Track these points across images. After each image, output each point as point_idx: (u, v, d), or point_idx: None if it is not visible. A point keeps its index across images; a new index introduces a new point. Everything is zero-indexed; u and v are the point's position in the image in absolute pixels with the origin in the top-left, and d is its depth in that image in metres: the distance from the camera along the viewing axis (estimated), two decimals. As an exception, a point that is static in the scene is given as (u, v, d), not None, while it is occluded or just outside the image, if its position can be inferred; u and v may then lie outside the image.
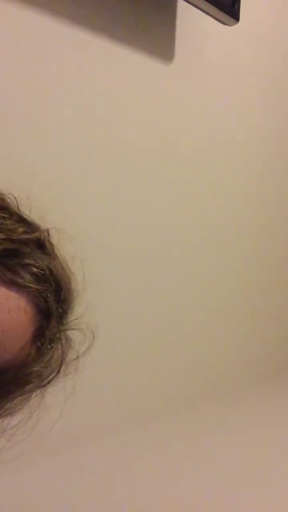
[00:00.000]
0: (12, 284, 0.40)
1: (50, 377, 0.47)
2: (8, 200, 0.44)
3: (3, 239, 0.40)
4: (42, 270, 0.43)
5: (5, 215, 0.42)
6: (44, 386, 0.47)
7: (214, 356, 1.43)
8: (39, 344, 0.44)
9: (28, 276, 0.41)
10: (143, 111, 1.19)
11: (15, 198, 0.45)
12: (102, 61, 1.08)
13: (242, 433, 1.24)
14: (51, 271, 0.43)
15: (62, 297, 0.44)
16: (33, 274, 0.42)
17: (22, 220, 0.44)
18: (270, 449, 1.16)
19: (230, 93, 1.45)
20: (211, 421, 1.30)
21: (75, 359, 0.48)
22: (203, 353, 1.40)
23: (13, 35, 0.92)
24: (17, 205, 0.45)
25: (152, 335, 1.24)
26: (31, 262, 0.42)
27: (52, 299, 0.43)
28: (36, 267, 0.42)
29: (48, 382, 0.47)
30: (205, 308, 1.40)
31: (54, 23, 0.98)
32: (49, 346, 0.45)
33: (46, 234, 0.45)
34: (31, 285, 0.41)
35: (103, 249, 1.10)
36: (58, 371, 0.47)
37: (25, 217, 0.44)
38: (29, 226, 0.44)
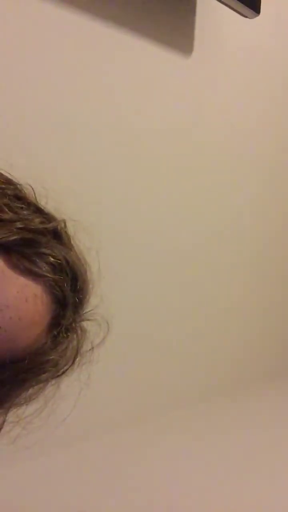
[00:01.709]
0: (29, 273, 0.41)
1: (66, 367, 0.47)
2: (26, 191, 0.45)
3: (20, 228, 0.41)
4: (58, 259, 0.43)
5: (23, 205, 0.43)
6: (59, 376, 0.48)
7: (217, 353, 1.43)
8: (55, 333, 0.44)
9: (44, 265, 0.42)
10: (161, 104, 1.19)
11: (32, 188, 0.45)
12: (119, 54, 1.08)
13: (244, 431, 1.24)
14: (67, 261, 0.44)
15: (78, 287, 0.45)
16: (49, 264, 0.42)
17: (39, 210, 0.44)
18: (270, 449, 1.16)
19: (249, 88, 1.44)
20: (215, 420, 1.30)
21: (90, 350, 0.49)
22: (206, 351, 1.40)
23: (30, 23, 0.93)
24: (34, 195, 0.45)
25: (155, 332, 1.24)
26: (48, 251, 0.43)
27: (68, 289, 0.44)
28: (52, 256, 0.43)
29: (63, 372, 0.48)
30: (212, 303, 1.40)
31: (70, 15, 0.98)
32: (65, 335, 0.45)
33: (62, 224, 0.45)
34: (48, 274, 0.42)
35: (118, 241, 1.10)
36: (73, 362, 0.48)
37: (42, 207, 0.45)
38: (46, 216, 0.44)
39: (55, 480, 0.91)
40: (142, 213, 1.18)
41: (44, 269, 0.42)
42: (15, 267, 0.40)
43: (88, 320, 0.48)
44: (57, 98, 0.97)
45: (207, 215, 1.36)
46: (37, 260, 0.42)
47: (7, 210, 0.41)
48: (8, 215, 0.41)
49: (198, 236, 1.34)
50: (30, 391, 0.46)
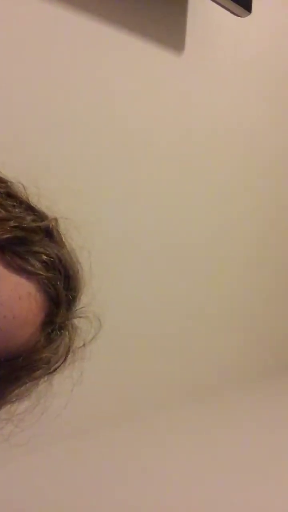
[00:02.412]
0: (22, 271, 0.41)
1: (57, 364, 0.48)
2: (17, 189, 0.45)
3: (13, 226, 0.41)
4: (51, 257, 0.43)
5: (15, 203, 0.43)
6: (51, 373, 0.48)
7: (215, 352, 1.44)
8: (49, 331, 0.45)
9: (37, 263, 0.42)
10: (153, 102, 1.19)
11: (23, 187, 0.45)
12: (111, 51, 1.08)
13: (242, 429, 1.24)
14: (60, 259, 0.44)
15: (70, 285, 0.45)
16: (42, 262, 0.43)
17: (31, 208, 0.44)
18: (269, 446, 1.16)
19: (241, 85, 1.44)
20: (213, 416, 1.30)
21: (81, 347, 0.49)
22: (204, 346, 1.41)
23: (28, 22, 0.93)
24: (26, 193, 0.45)
25: (154, 329, 1.25)
26: (41, 250, 0.43)
27: (61, 287, 0.44)
28: (45, 254, 0.43)
29: (55, 369, 0.48)
30: (206, 303, 1.41)
31: (64, 13, 0.98)
32: (58, 333, 0.46)
33: (54, 222, 0.45)
34: (41, 272, 0.42)
35: (110, 238, 1.11)
36: (65, 359, 0.48)
37: (34, 205, 0.45)
38: (38, 214, 0.44)
39: (50, 477, 0.91)
40: (136, 212, 1.18)
41: (37, 267, 0.42)
42: (8, 265, 0.40)
43: (80, 317, 0.48)
44: (50, 96, 0.97)
45: (202, 211, 1.36)
46: (30, 258, 0.42)
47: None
48: (0, 214, 0.41)
49: (194, 233, 1.34)
50: (23, 388, 0.46)
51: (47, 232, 0.44)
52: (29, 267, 0.41)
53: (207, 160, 1.36)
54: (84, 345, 0.49)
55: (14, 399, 0.47)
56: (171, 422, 1.21)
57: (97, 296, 0.49)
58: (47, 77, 0.96)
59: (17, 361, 0.43)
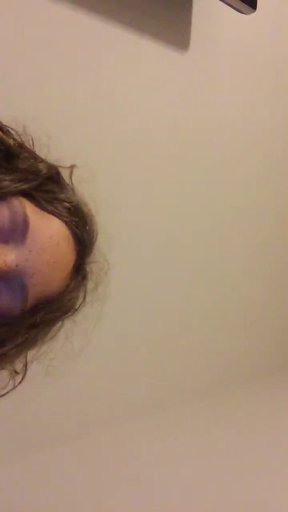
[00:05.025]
0: (57, 217, 0.45)
1: (80, 304, 0.51)
2: (28, 141, 0.48)
3: (35, 175, 0.45)
4: (73, 204, 0.47)
5: (27, 155, 0.47)
6: (75, 312, 0.51)
7: (215, 352, 1.41)
8: (77, 273, 0.48)
9: (64, 210, 0.46)
10: (157, 99, 1.18)
11: (32, 138, 0.49)
12: (116, 49, 1.07)
13: (243, 427, 1.23)
14: (79, 205, 0.48)
15: (89, 228, 0.49)
16: (67, 208, 0.46)
17: (41, 158, 0.48)
18: (270, 446, 1.14)
19: (245, 83, 1.42)
20: (214, 415, 1.28)
21: (95, 288, 0.52)
22: (205, 345, 1.39)
23: (32, 20, 0.94)
24: (33, 144, 0.49)
25: (156, 328, 1.23)
26: (63, 196, 0.47)
27: (85, 230, 0.48)
28: (68, 201, 0.47)
29: (77, 309, 0.51)
30: (207, 302, 1.38)
31: (70, 11, 0.98)
32: (83, 275, 0.49)
33: (70, 171, 0.50)
34: (71, 217, 0.46)
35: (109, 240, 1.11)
36: (84, 299, 0.52)
37: (41, 156, 0.49)
38: (49, 163, 0.48)
39: (50, 477, 0.91)
40: (137, 211, 1.16)
41: (64, 213, 0.46)
42: (43, 212, 0.44)
43: (96, 261, 0.52)
44: (55, 93, 0.97)
45: (205, 209, 1.34)
46: (58, 205, 0.46)
47: (23, 159, 0.46)
48: (24, 165, 0.45)
49: (195, 232, 1.32)
50: (55, 328, 0.50)
51: (62, 180, 0.49)
52: (61, 213, 0.45)
53: (211, 158, 1.34)
54: (97, 286, 0.52)
55: (48, 340, 0.50)
56: (171, 422, 1.19)
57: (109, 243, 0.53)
58: (48, 75, 0.96)
59: (53, 303, 0.46)
